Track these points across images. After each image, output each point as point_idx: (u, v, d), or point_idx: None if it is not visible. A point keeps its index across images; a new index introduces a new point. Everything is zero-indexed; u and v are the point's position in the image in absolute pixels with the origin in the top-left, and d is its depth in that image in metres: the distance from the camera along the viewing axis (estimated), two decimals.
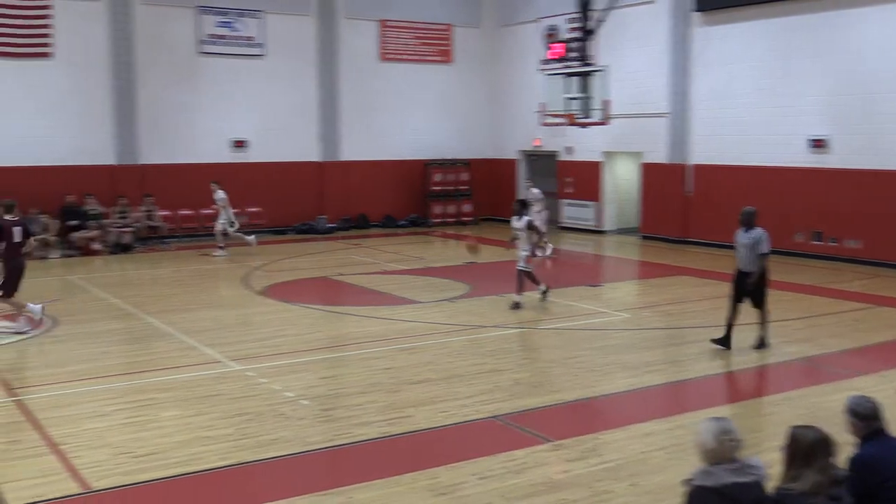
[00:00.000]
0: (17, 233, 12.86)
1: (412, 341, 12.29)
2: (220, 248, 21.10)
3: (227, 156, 24.91)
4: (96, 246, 21.46)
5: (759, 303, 11.47)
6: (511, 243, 15.03)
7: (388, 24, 27.32)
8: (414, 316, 13.84)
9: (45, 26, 22.20)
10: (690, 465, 5.17)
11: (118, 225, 22.08)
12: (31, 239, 13.50)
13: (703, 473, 4.65)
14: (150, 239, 22.91)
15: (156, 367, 11.00)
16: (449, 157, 28.26)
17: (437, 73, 28.28)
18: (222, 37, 24.70)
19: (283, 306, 14.97)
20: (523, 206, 14.88)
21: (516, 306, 14.17)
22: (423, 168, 27.84)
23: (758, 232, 11.28)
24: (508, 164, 28.79)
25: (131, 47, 23.40)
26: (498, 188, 28.88)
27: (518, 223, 14.47)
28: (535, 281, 14.61)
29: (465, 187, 28.25)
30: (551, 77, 22.61)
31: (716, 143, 22.04)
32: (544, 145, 27.02)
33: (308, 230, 25.71)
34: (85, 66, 22.83)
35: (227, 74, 24.81)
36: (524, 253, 14.35)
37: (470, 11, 28.87)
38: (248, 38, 25.08)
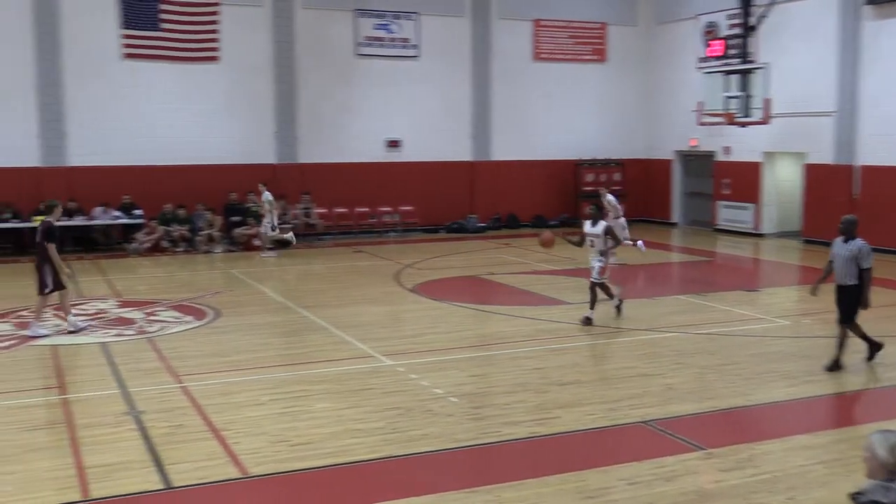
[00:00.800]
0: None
1: (561, 342, 12.20)
2: (269, 248, 21.36)
3: (382, 155, 25.46)
4: (257, 242, 22.34)
5: (846, 318, 10.61)
6: (577, 244, 13.71)
7: (543, 23, 27.23)
8: (563, 317, 13.73)
9: (212, 31, 23.29)
10: (853, 482, 4.91)
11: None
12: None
13: (880, 488, 4.36)
14: (306, 236, 23.67)
15: (311, 359, 11.35)
16: (601, 157, 27.92)
17: (590, 72, 27.98)
18: (379, 39, 25.25)
19: (433, 304, 15.16)
20: (599, 211, 13.85)
21: (587, 321, 13.01)
22: (575, 168, 27.60)
23: (858, 244, 10.39)
24: (663, 165, 28.17)
25: (292, 50, 24.26)
26: (652, 189, 28.33)
27: (593, 229, 13.30)
28: (609, 293, 13.57)
29: (618, 187, 27.81)
30: (709, 75, 21.99)
31: (886, 144, 20.85)
32: (701, 145, 26.29)
33: (458, 229, 25.95)
34: (249, 69, 23.82)
35: (383, 75, 25.34)
36: (598, 264, 13.20)
37: (625, 9, 28.42)
38: (404, 40, 25.54)
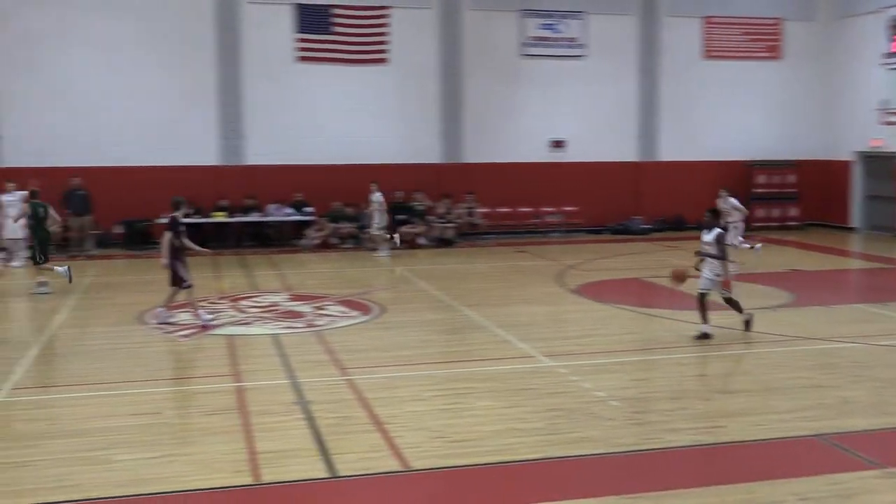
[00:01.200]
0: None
1: (726, 348, 11.81)
2: (381, 248, 21.32)
3: (546, 155, 25.40)
4: (421, 240, 22.74)
5: None
6: (697, 266, 12.43)
7: (713, 20, 26.43)
8: (729, 323, 13.28)
9: (382, 34, 23.88)
10: None
11: (442, 221, 23.26)
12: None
13: None
14: (470, 235, 23.90)
15: (472, 357, 11.45)
16: (774, 157, 26.82)
17: (764, 69, 26.94)
18: (544, 39, 25.20)
19: (595, 305, 14.99)
20: (715, 217, 12.64)
21: (704, 336, 12.05)
22: (745, 169, 26.63)
23: None
24: (841, 166, 26.77)
25: (459, 51, 24.56)
26: (829, 191, 26.99)
27: (707, 237, 12.23)
28: (737, 308, 12.51)
29: (792, 190, 26.68)
30: (894, 72, 20.72)
31: None
32: (885, 146, 24.83)
33: (623, 230, 25.55)
34: (416, 70, 24.28)
35: (548, 75, 25.27)
36: (713, 276, 12.11)
37: (803, 4, 27.19)
38: (570, 40, 25.37)
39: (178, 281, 13.22)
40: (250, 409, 9.04)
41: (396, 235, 21.59)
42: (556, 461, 7.68)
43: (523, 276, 18.46)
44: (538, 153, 25.30)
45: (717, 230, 12.26)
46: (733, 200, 19.12)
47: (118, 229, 22.48)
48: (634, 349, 12.12)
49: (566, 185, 25.17)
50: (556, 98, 25.34)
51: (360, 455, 7.75)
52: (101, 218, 21.73)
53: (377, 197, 21.22)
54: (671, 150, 26.30)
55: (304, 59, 23.54)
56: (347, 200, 23.16)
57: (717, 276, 12.15)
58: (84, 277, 17.48)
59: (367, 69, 23.95)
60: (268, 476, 7.31)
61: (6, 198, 19.25)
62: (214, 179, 23.13)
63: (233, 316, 13.84)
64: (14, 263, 18.90)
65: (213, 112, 23.21)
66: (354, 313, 14.14)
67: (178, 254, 13.24)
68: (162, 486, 7.10)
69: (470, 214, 24.16)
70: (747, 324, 12.50)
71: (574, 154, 25.55)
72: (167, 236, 13.24)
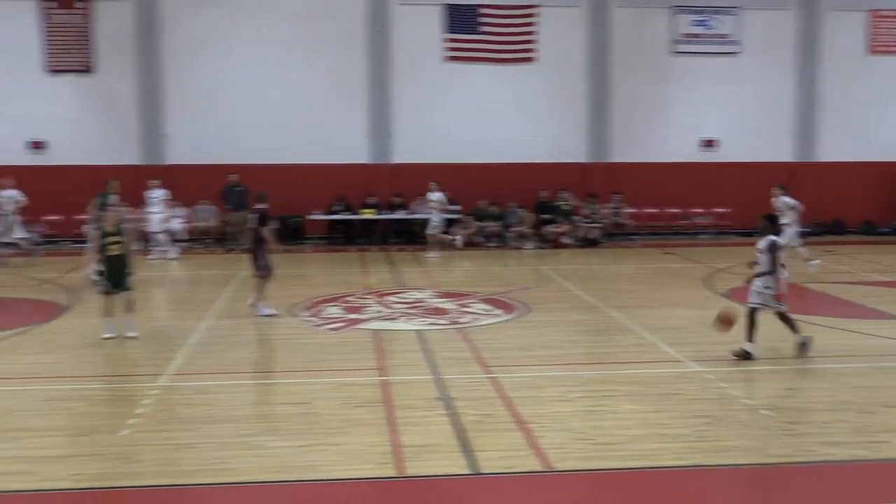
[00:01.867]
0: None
1: (890, 360, 11.18)
2: (433, 250, 21.00)
3: (695, 155, 24.82)
4: (566, 240, 22.59)
5: None
6: (749, 279, 11.20)
7: (881, 13, 25.12)
8: (893, 332, 12.59)
9: (530, 33, 23.84)
10: None
11: (587, 221, 23.04)
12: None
13: None
14: (615, 235, 23.58)
15: (616, 359, 11.29)
16: None
17: None
18: (696, 35, 24.58)
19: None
20: (771, 224, 11.35)
21: (745, 356, 10.82)
22: None
23: None
24: None
25: (607, 49, 24.26)
26: None
27: (760, 244, 11.10)
28: (792, 326, 11.11)
29: None
30: None
31: None
32: None
33: None
34: (563, 69, 24.14)
35: (700, 73, 24.66)
36: (763, 288, 10.90)
37: None
38: (723, 36, 24.65)
39: (261, 270, 13.83)
40: (395, 403, 9.20)
41: (458, 237, 21.42)
42: (702, 469, 7.48)
43: (670, 278, 18.06)
44: (688, 153, 24.71)
45: (770, 238, 11.00)
46: (787, 199, 18.15)
47: (271, 225, 23.25)
48: (787, 357, 11.64)
49: (717, 185, 24.47)
50: (707, 96, 24.69)
51: (502, 453, 7.77)
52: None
53: (437, 196, 21.26)
54: (831, 149, 25.16)
55: (451, 58, 23.79)
56: (492, 199, 23.27)
57: (767, 288, 10.87)
58: (239, 270, 18.21)
59: (513, 68, 23.99)
60: (411, 469, 7.42)
61: (152, 194, 20.61)
62: (363, 177, 23.69)
63: (379, 311, 14.12)
64: (170, 255, 20.09)
65: (362, 111, 23.78)
66: (498, 311, 14.18)
67: (261, 244, 13.94)
68: (311, 473, 7.33)
69: (616, 214, 23.83)
70: (802, 346, 11.08)
71: (725, 154, 24.83)
72: (256, 229, 14.06)
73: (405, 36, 23.69)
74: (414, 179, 23.45)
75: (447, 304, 14.73)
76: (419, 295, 15.70)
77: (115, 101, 23.25)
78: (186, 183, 22.58)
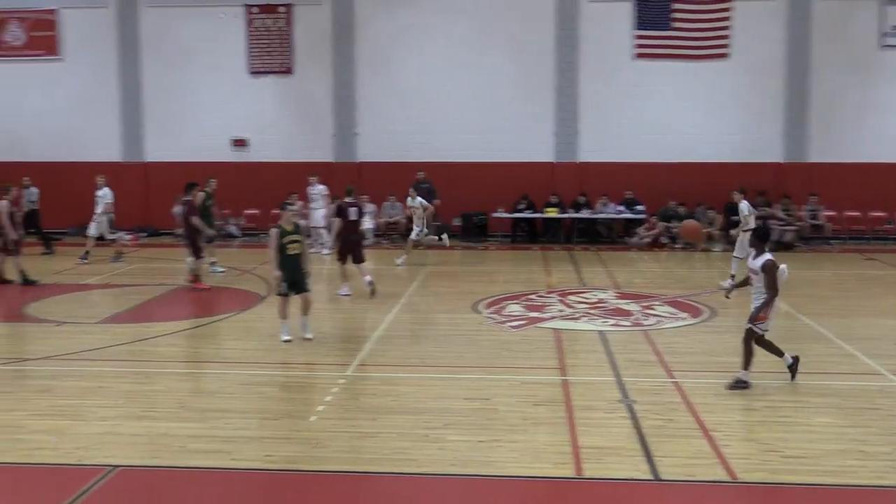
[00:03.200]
0: (352, 213, 15.36)
1: None
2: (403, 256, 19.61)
3: None
4: None
5: None
6: (728, 295, 11.05)
7: None
8: None
9: (724, 28, 23.03)
10: None
11: (781, 223, 22.03)
12: (364, 219, 16.42)
13: None
14: (812, 239, 22.45)
15: (810, 370, 10.72)
16: None
17: None
18: None
19: None
20: (760, 240, 9.84)
21: (739, 385, 9.54)
22: None
23: None
24: None
25: (807, 44, 23.10)
26: None
27: (753, 262, 9.74)
28: (773, 349, 9.86)
29: None
30: None
31: None
32: None
33: None
34: (758, 65, 23.19)
35: None
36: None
37: None
38: None
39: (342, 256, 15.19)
40: (574, 403, 9.13)
41: (444, 236, 19.57)
42: None
43: (872, 285, 17.00)
44: (894, 153, 23.15)
45: (766, 256, 9.63)
46: (745, 205, 16.21)
47: (456, 221, 23.68)
48: None
49: None
50: None
51: (684, 460, 7.56)
52: (441, 210, 23.02)
53: (418, 201, 19.35)
54: None
55: (641, 55, 23.31)
56: (680, 199, 22.65)
57: (756, 308, 9.64)
58: (424, 266, 18.63)
59: (705, 65, 23.23)
60: (589, 471, 7.35)
61: (313, 189, 21.27)
62: (547, 175, 23.65)
63: (561, 311, 14.06)
64: (324, 252, 20.65)
65: (549, 109, 23.75)
66: (683, 315, 13.80)
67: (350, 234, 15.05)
68: (489, 469, 7.40)
69: (813, 217, 22.65)
70: (792, 370, 9.89)
71: None
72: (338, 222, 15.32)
73: (594, 33, 23.44)
74: (599, 178, 23.21)
75: (630, 306, 14.48)
76: (601, 295, 15.50)
77: (312, 101, 24.30)
78: (376, 180, 23.32)
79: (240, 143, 24.45)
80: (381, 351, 11.55)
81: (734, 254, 16.24)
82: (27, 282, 16.40)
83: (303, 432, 8.29)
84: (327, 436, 8.19)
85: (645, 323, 13.20)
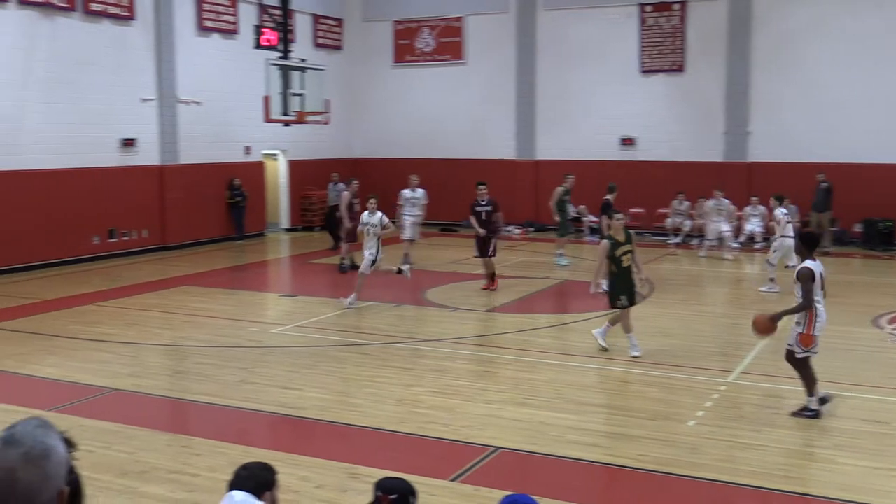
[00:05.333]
0: (483, 213, 15.72)
1: None
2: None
3: None
4: None
5: None
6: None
7: None
8: None
9: None
10: None
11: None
12: (497, 216, 16.20)
13: None
14: None
15: None
16: None
17: None
18: None
19: None
20: (806, 245, 8.75)
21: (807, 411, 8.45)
22: None
23: None
24: None
25: None
26: None
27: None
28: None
29: None
30: None
31: None
32: None
33: None
34: None
35: None
36: (794, 323, 8.70)
37: None
38: None
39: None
40: None
41: (406, 267, 15.57)
42: None
43: None
44: None
45: (802, 265, 8.63)
46: (781, 211, 15.77)
47: (857, 227, 21.87)
48: None
49: None
50: None
51: None
52: (841, 215, 21.36)
53: (376, 218, 14.43)
54: None
55: None
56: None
57: (797, 324, 8.67)
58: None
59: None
60: None
61: (408, 193, 18.87)
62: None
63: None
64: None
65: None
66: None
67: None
68: (881, 499, 6.77)
69: None
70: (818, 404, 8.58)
71: None
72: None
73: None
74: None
75: None
76: None
77: (703, 99, 23.75)
78: (767, 181, 22.23)
79: (628, 142, 24.56)
80: (766, 360, 10.99)
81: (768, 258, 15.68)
82: (344, 269, 17.55)
83: (680, 436, 8.15)
84: (704, 442, 7.99)
85: None
